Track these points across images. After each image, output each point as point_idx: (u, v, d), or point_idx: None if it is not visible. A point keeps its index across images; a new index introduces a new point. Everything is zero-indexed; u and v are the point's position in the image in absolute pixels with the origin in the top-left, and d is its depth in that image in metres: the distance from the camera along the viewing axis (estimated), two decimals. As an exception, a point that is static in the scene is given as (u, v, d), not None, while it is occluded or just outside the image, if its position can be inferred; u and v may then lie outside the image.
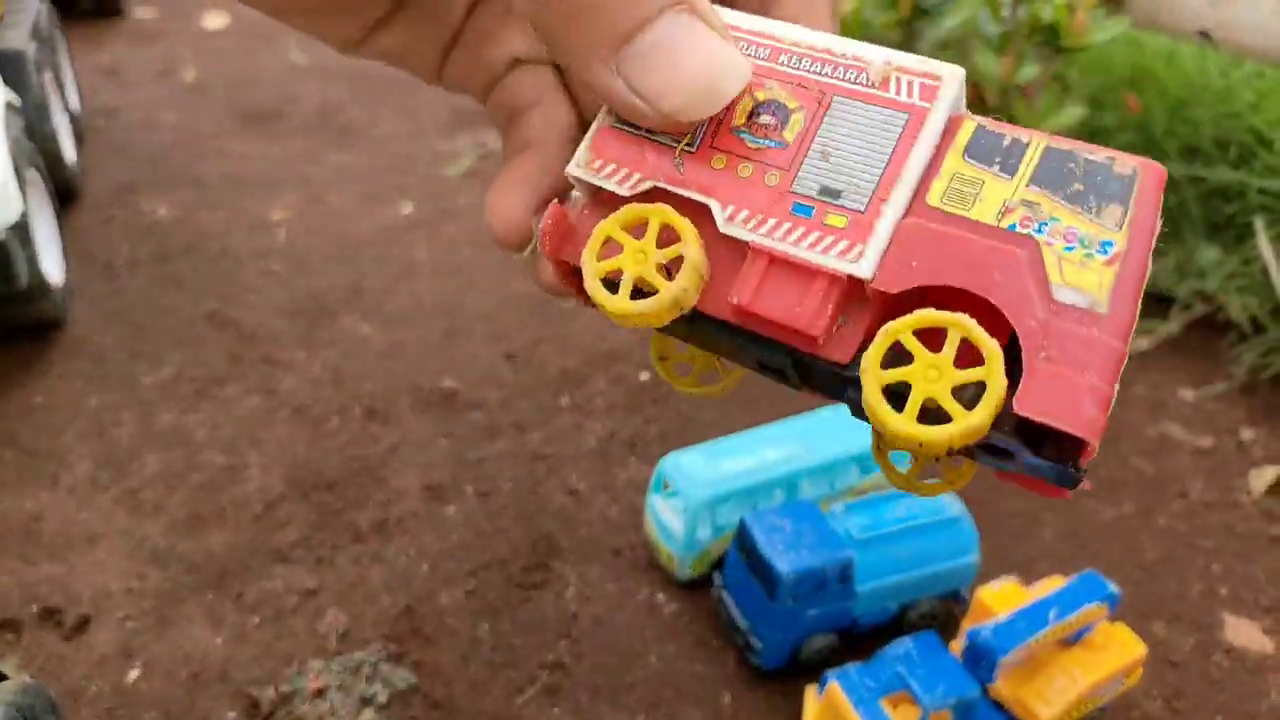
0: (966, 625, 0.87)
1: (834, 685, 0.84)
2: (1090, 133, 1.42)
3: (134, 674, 0.94)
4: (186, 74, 2.42)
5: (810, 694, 0.90)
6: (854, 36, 0.32)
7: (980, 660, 0.82)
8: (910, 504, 0.98)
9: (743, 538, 0.95)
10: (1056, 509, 1.16)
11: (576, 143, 0.33)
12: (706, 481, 1.02)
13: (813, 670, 0.93)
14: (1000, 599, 0.87)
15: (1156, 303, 1.43)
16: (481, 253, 1.68)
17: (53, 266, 1.41)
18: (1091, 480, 1.19)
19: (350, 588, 1.04)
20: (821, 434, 1.09)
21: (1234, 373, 1.34)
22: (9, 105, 1.40)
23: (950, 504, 0.98)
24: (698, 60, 0.27)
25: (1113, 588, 0.85)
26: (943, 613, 0.99)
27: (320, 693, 0.92)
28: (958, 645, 0.87)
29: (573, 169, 0.33)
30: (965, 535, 0.98)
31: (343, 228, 1.75)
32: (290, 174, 1.94)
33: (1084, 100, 1.36)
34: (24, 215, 1.29)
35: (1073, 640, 0.85)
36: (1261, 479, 1.20)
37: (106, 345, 1.41)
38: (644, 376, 1.38)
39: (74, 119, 1.89)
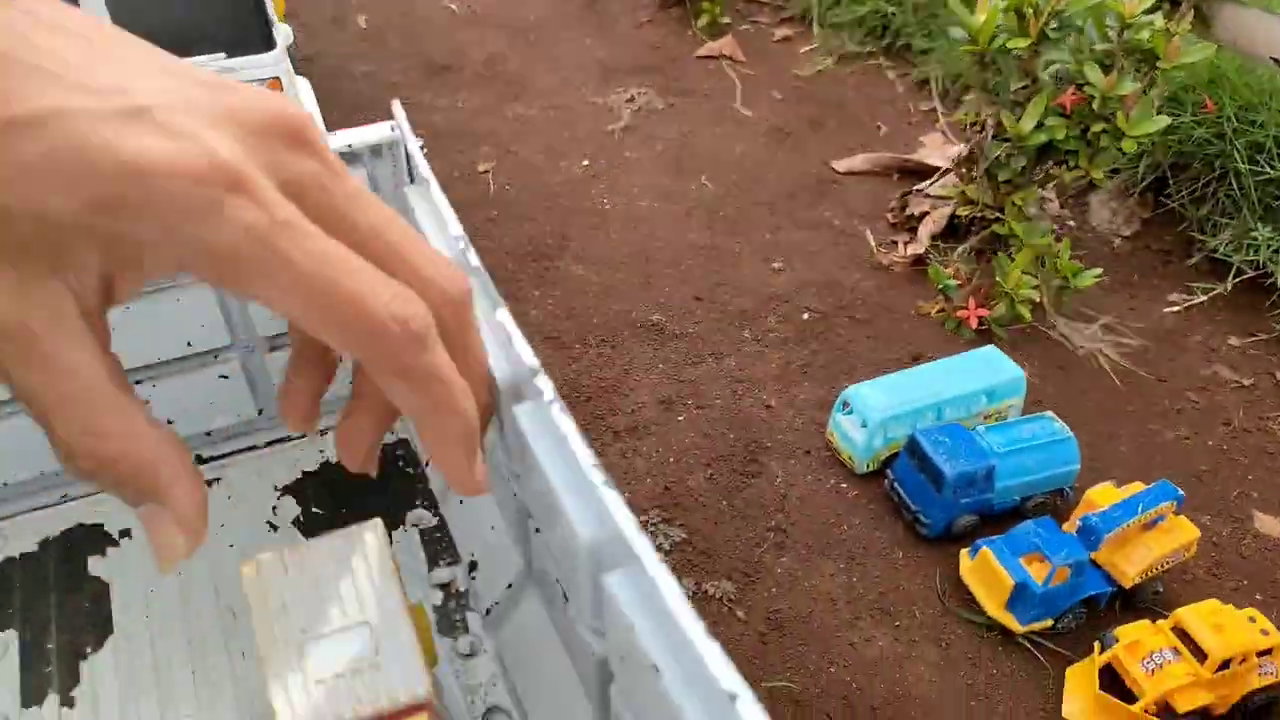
0: (1078, 514, 1.27)
1: (985, 550, 1.26)
2: (1169, 129, 1.75)
3: (490, 527, 1.37)
4: (359, 20, 2.74)
5: (964, 555, 1.31)
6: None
7: (1090, 535, 1.22)
8: (1034, 427, 1.37)
9: (914, 447, 1.36)
10: (1129, 430, 1.56)
11: None
12: (881, 406, 1.41)
13: (959, 539, 1.34)
14: (1103, 495, 1.27)
15: (1212, 265, 1.79)
16: (657, 204, 2.04)
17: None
18: (1156, 410, 1.58)
19: (623, 473, 1.45)
20: (959, 373, 1.47)
21: (1275, 326, 1.71)
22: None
23: (1061, 429, 1.38)
24: None
25: (1178, 491, 1.24)
26: (1052, 503, 1.40)
27: (625, 543, 1.34)
28: (1070, 526, 1.27)
29: None
30: (1071, 451, 1.37)
31: (536, 179, 2.11)
32: (479, 126, 2.29)
33: (1165, 99, 1.69)
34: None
35: (1150, 526, 1.26)
36: (1288, 412, 1.58)
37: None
38: (805, 316, 1.76)
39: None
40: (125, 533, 0.94)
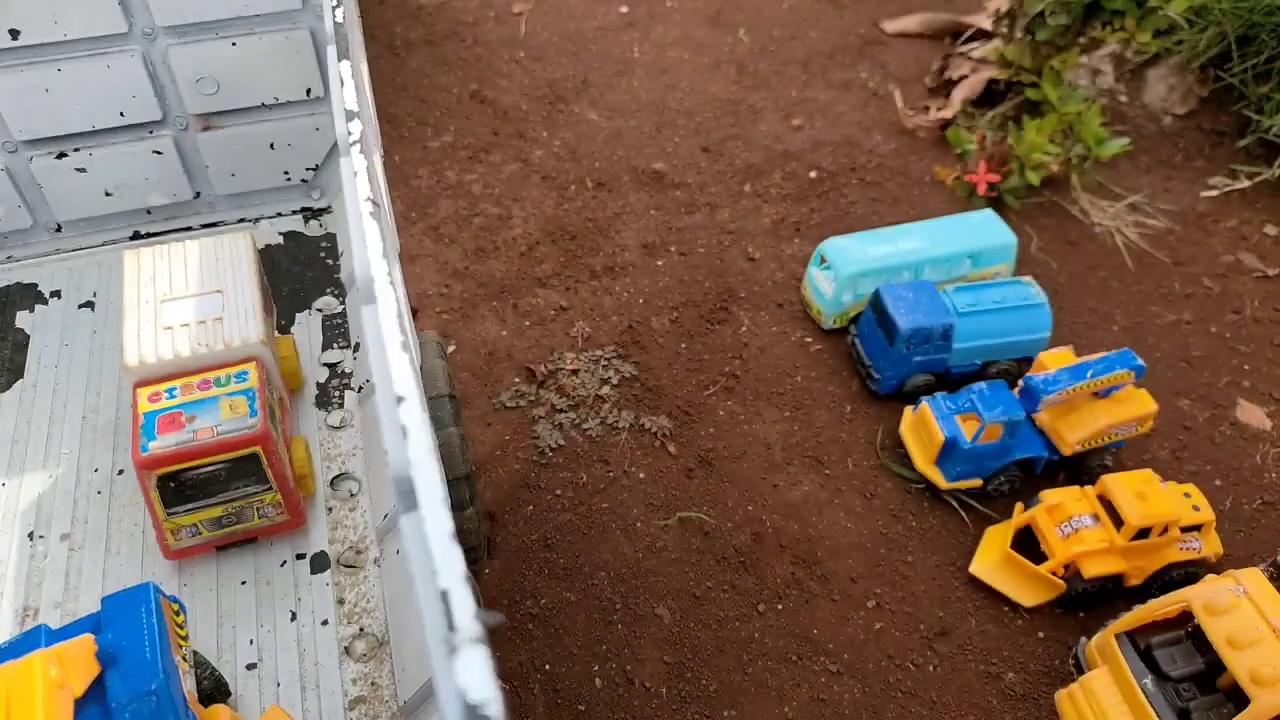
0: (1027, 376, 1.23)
1: (924, 404, 1.24)
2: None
3: (451, 348, 1.42)
4: None
5: (907, 412, 1.29)
6: None
7: (1030, 396, 1.19)
8: (1006, 290, 1.32)
9: (875, 301, 1.33)
10: (1127, 309, 1.48)
11: None
12: (854, 260, 1.38)
13: (913, 399, 1.32)
14: (1055, 359, 1.22)
15: (1265, 148, 1.65)
16: (686, 55, 1.99)
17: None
18: (1164, 292, 1.49)
19: (590, 309, 1.48)
20: (946, 233, 1.42)
21: (1318, 217, 1.57)
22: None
23: (1036, 294, 1.32)
24: None
25: (1140, 361, 1.19)
26: (1015, 372, 1.35)
27: (574, 372, 1.38)
28: (1018, 390, 1.24)
29: None
30: (1043, 318, 1.32)
31: (570, 24, 2.08)
32: (524, -31, 2.25)
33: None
34: None
35: (1103, 395, 1.21)
36: (1311, 305, 1.47)
37: (400, 113, 1.83)
38: (812, 174, 1.72)
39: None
40: (55, 293, 1.02)
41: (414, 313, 1.47)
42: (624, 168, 1.73)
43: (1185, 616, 0.93)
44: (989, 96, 1.83)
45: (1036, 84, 1.71)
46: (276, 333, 0.90)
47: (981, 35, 2.01)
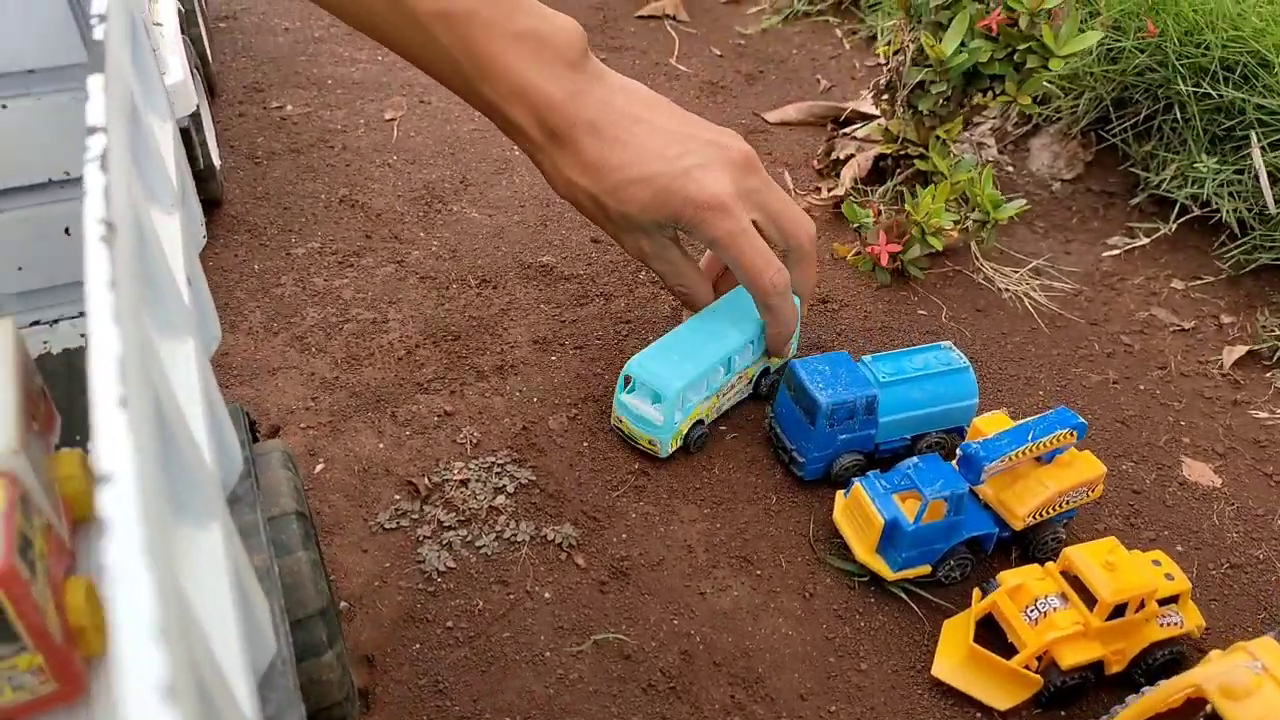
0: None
1: (857, 485, 1.11)
2: (1109, 53, 1.60)
3: (320, 466, 1.24)
4: (290, -19, 2.63)
5: (839, 496, 1.16)
6: None
7: (970, 466, 1.07)
8: (926, 358, 1.22)
9: (790, 378, 1.21)
10: (1050, 373, 1.40)
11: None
12: (673, 375, 1.19)
13: (843, 483, 1.19)
14: (990, 424, 1.12)
15: (1157, 205, 1.63)
16: (568, 151, 1.91)
17: (213, 152, 1.67)
18: (1084, 353, 1.42)
19: (479, 412, 1.32)
20: (727, 314, 1.28)
21: (1221, 267, 1.55)
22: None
23: (959, 359, 1.23)
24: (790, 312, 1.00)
25: (1080, 419, 1.09)
26: (948, 443, 1.24)
27: (464, 483, 1.20)
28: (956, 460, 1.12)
29: None
30: (968, 383, 1.22)
31: (447, 127, 1.99)
32: (395, 79, 2.17)
33: (1107, 25, 1.54)
34: (198, 106, 1.54)
35: (1046, 459, 1.10)
36: (1232, 354, 1.42)
37: (260, 222, 1.68)
38: (710, 259, 1.62)
39: (206, 22, 2.13)
40: None
41: (275, 431, 1.28)
42: (510, 263, 1.60)
43: (1193, 704, 0.80)
44: (878, 174, 1.80)
45: (925, 155, 1.67)
46: (63, 448, 0.72)
47: (861, 118, 2.00)
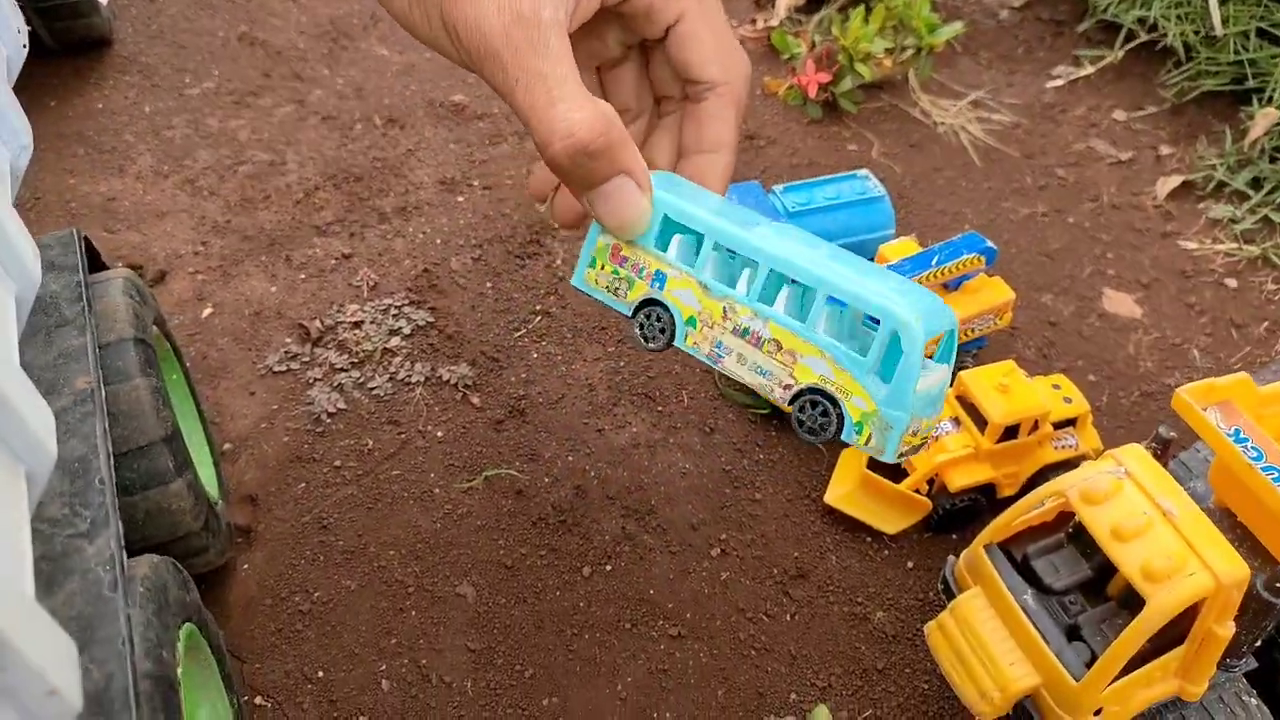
0: (870, 273, 1.07)
1: (761, 317, 1.06)
2: None
3: (208, 311, 1.18)
4: None
5: (745, 330, 1.12)
6: None
7: (874, 293, 1.03)
8: (840, 186, 1.16)
9: (699, 211, 1.15)
10: (978, 208, 1.35)
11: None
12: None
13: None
14: (896, 250, 1.07)
15: (1103, 30, 1.55)
16: (488, -16, 1.79)
17: (98, -14, 1.55)
18: (1016, 187, 1.37)
19: (378, 255, 1.26)
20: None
21: (1164, 96, 1.48)
22: None
23: (875, 187, 1.17)
24: (625, 206, 0.44)
25: (990, 244, 1.04)
26: (863, 277, 1.20)
27: (358, 325, 1.16)
28: (863, 290, 1.08)
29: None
30: (884, 213, 1.17)
31: (358, -40, 1.85)
32: (306, -92, 2.01)
33: None
34: (70, -66, 1.42)
35: (953, 286, 1.06)
36: (1166, 186, 1.37)
37: (153, 61, 1.57)
38: (633, 96, 1.54)
39: None
40: None
41: (161, 276, 1.22)
42: (419, 102, 1.51)
43: (1064, 518, 0.78)
44: (815, 3, 1.69)
45: (864, -18, 1.57)
46: None
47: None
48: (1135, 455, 0.72)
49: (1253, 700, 0.76)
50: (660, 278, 0.47)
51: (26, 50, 0.84)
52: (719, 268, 0.47)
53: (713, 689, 0.86)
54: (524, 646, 0.89)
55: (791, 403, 0.45)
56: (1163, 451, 0.77)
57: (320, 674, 0.87)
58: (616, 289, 0.49)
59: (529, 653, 0.88)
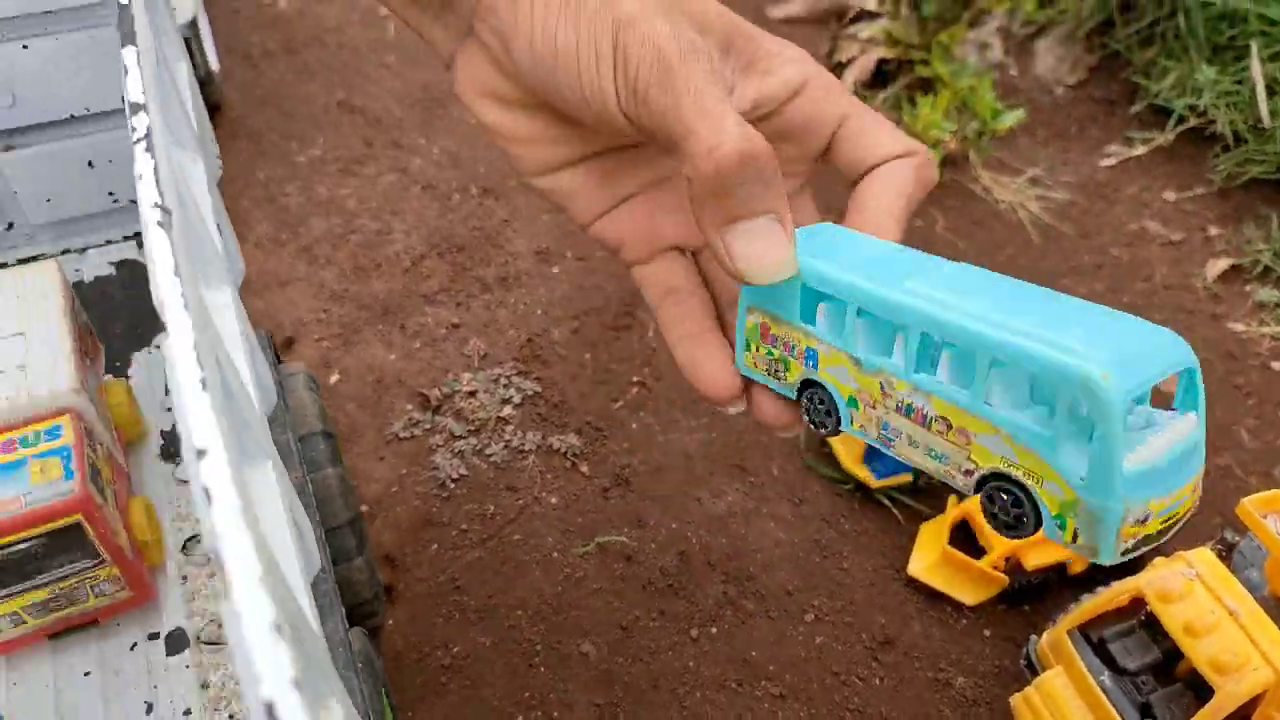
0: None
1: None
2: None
3: (335, 378, 1.29)
4: None
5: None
6: None
7: (954, 382, 1.13)
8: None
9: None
10: (1039, 285, 1.44)
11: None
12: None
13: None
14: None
15: (1156, 115, 1.64)
16: (567, 52, 1.90)
17: (211, 57, 1.67)
18: (1072, 265, 1.47)
19: (484, 325, 1.37)
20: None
21: (1213, 179, 1.57)
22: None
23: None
24: (769, 249, 0.38)
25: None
26: (936, 357, 1.30)
27: (472, 394, 1.26)
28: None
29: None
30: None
31: (443, 25, 1.96)
32: (390, -30, 2.13)
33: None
34: (194, 12, 1.54)
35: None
36: (1215, 268, 1.46)
37: (260, 127, 1.69)
38: (709, 167, 1.64)
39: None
40: None
41: (289, 343, 1.33)
42: (509, 171, 1.62)
43: (1137, 604, 0.88)
44: (880, 78, 1.79)
45: (926, 61, 1.67)
46: (108, 376, 0.77)
47: (867, 16, 1.97)
48: (1205, 560, 0.82)
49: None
50: (812, 355, 0.41)
51: (221, 170, 0.95)
52: (872, 335, 0.40)
53: (815, 747, 0.96)
54: (642, 703, 0.99)
55: (977, 491, 0.37)
56: (1227, 553, 0.87)
57: (463, 725, 0.97)
58: (775, 372, 0.43)
59: (648, 709, 0.99)
